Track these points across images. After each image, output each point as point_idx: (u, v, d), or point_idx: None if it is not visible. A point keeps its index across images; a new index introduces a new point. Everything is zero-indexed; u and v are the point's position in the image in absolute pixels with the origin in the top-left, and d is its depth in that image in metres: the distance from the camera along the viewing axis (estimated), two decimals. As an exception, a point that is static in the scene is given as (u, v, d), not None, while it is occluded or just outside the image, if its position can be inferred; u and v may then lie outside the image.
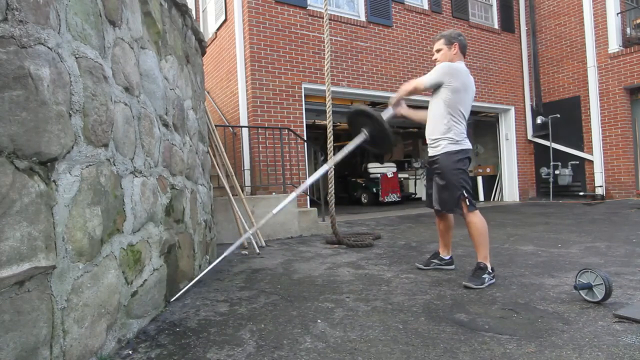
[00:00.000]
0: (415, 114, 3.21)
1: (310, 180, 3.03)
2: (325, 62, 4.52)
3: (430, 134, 2.99)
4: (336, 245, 4.49)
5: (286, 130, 6.12)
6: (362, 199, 11.02)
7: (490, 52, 9.60)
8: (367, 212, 8.36)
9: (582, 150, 9.30)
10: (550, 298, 2.36)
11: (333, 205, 4.62)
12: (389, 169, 10.67)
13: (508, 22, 10.07)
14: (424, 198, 9.19)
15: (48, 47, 1.32)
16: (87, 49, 1.58)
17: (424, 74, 3.20)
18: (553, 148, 9.65)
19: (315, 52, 7.05)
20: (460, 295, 2.49)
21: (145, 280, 2.07)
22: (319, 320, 2.13)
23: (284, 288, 2.80)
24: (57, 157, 1.36)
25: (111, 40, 1.83)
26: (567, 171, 9.41)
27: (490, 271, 2.73)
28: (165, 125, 2.52)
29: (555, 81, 9.81)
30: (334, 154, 4.65)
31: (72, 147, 1.44)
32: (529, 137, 10.20)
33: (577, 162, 9.36)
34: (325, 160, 4.48)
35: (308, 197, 6.76)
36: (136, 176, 2.02)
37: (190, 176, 3.06)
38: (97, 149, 1.62)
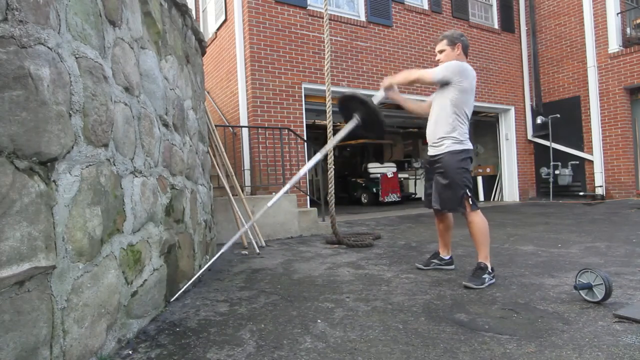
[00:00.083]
0: (407, 103, 3.16)
1: (304, 170, 2.98)
2: (325, 62, 4.52)
3: (433, 132, 2.95)
4: (336, 245, 4.49)
5: (286, 130, 6.12)
6: (362, 199, 11.02)
7: (490, 52, 9.60)
8: (367, 212, 8.36)
9: (582, 150, 9.30)
10: (550, 298, 2.36)
11: (333, 205, 4.62)
12: (389, 169, 10.67)
13: (508, 22, 10.07)
14: (423, 198, 9.19)
15: (48, 47, 1.32)
16: (87, 49, 1.58)
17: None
18: (553, 148, 9.65)
19: (315, 52, 7.05)
20: (460, 295, 2.49)
21: (145, 280, 2.07)
22: (319, 320, 2.13)
23: (284, 288, 2.80)
24: (57, 157, 1.36)
25: (111, 40, 1.83)
26: (567, 171, 9.41)
27: (491, 271, 2.73)
28: (165, 125, 2.52)
29: (555, 81, 9.81)
30: (334, 154, 4.65)
31: (72, 147, 1.44)
32: (529, 137, 10.20)
33: (577, 162, 9.36)
34: (325, 160, 4.47)
35: (308, 197, 6.76)
36: (136, 176, 2.02)
37: (190, 176, 3.06)
38: (97, 149, 1.62)
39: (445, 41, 2.96)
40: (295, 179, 2.93)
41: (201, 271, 2.86)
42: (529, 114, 10.16)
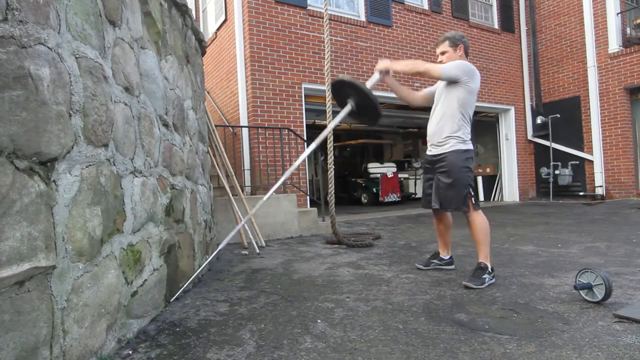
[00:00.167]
0: (400, 89, 3.13)
1: (300, 160, 2.96)
2: (325, 62, 4.52)
3: (437, 131, 2.92)
4: (336, 245, 4.49)
5: (286, 130, 6.12)
6: (362, 199, 11.02)
7: (490, 52, 9.60)
8: (367, 212, 8.36)
9: (582, 150, 9.30)
10: (550, 298, 2.36)
11: (333, 205, 4.62)
12: (389, 169, 10.68)
13: (508, 22, 10.07)
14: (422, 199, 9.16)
15: (48, 47, 1.32)
16: (87, 49, 1.58)
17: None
18: (553, 148, 9.65)
19: (315, 52, 7.05)
20: (460, 295, 2.49)
21: (145, 280, 2.07)
22: (319, 320, 2.13)
23: (284, 288, 2.80)
24: (57, 157, 1.36)
25: (111, 40, 1.83)
26: (567, 171, 9.41)
27: (491, 271, 2.73)
28: (165, 125, 2.52)
29: (555, 81, 9.81)
30: (334, 154, 4.65)
31: (72, 147, 1.44)
32: (529, 137, 10.20)
33: (577, 162, 9.36)
34: (325, 160, 4.47)
35: (308, 197, 6.76)
36: (136, 176, 2.02)
37: (190, 176, 3.06)
38: (97, 149, 1.62)
39: (447, 42, 2.95)
40: (291, 169, 2.91)
41: (200, 269, 2.86)
42: (529, 114, 10.16)
